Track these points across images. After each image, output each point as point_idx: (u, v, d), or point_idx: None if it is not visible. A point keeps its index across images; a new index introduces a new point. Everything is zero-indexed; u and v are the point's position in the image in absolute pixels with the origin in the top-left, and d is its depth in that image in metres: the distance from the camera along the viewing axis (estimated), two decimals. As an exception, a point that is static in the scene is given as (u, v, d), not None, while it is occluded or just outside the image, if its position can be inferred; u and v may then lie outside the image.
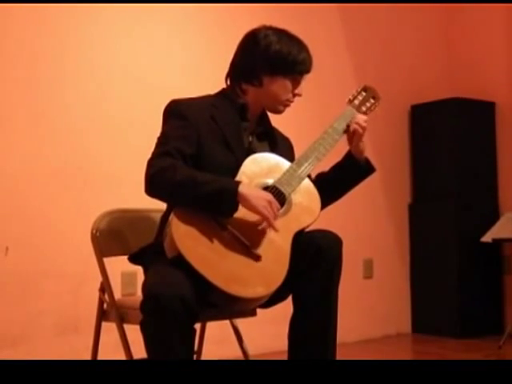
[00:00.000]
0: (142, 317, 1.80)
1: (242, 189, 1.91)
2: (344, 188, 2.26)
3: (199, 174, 1.95)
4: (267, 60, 2.11)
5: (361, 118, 2.17)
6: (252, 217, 1.95)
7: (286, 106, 2.19)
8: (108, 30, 3.47)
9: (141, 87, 3.53)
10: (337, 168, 2.25)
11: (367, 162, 2.26)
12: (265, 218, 1.92)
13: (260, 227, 1.93)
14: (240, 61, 2.18)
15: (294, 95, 2.18)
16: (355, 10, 4.39)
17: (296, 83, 2.16)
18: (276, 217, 1.94)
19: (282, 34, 2.17)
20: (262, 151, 2.14)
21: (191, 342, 1.85)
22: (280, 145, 2.23)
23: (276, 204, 1.95)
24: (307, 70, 2.17)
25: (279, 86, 2.13)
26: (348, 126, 2.15)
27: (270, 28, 2.18)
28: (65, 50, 3.33)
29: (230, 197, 1.90)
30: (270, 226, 1.93)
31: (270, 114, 2.24)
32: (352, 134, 2.17)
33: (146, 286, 1.83)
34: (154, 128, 2.10)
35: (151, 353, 1.80)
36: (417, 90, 4.66)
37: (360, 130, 2.15)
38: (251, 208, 1.91)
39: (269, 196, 1.95)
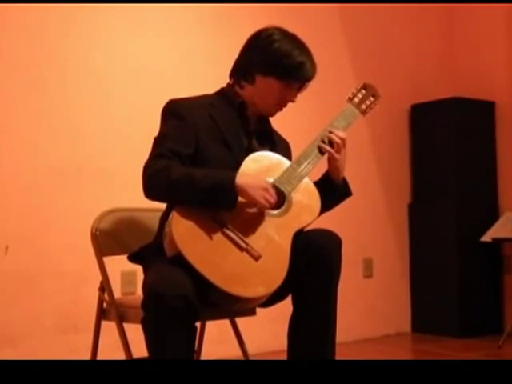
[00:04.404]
0: (143, 315, 1.80)
1: (238, 180, 1.91)
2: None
3: (195, 170, 1.95)
4: (262, 58, 2.09)
5: (336, 136, 2.11)
6: (251, 216, 1.95)
7: (277, 110, 2.16)
8: (107, 30, 3.47)
9: (141, 86, 3.53)
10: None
11: (345, 183, 2.19)
12: (262, 207, 1.93)
13: (255, 210, 1.95)
14: (240, 57, 2.18)
15: (288, 101, 2.14)
16: (355, 9, 4.39)
17: (290, 89, 2.11)
18: (273, 204, 1.95)
19: (288, 35, 2.13)
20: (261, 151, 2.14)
21: (192, 339, 1.85)
22: (279, 147, 2.22)
23: (272, 190, 1.95)
24: (304, 77, 2.11)
25: (269, 87, 2.10)
26: (323, 142, 2.10)
27: (278, 28, 2.14)
28: (65, 51, 3.33)
29: (228, 190, 1.90)
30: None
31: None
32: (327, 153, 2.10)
33: (146, 285, 1.83)
34: (154, 127, 2.10)
35: (152, 350, 1.81)
36: (417, 90, 4.66)
37: (330, 150, 2.09)
38: (249, 198, 1.92)
39: (265, 183, 1.95)
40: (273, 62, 2.08)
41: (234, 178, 1.91)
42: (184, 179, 1.91)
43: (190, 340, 1.83)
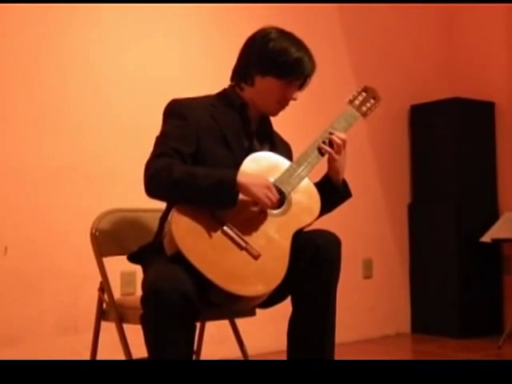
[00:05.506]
0: (142, 311, 1.80)
1: (240, 178, 1.91)
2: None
3: (196, 168, 1.96)
4: (260, 58, 2.08)
5: (336, 137, 2.11)
6: (251, 215, 1.95)
7: (279, 109, 2.15)
8: (108, 30, 3.47)
9: (142, 87, 3.53)
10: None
11: (345, 185, 2.20)
12: (265, 206, 1.93)
13: (256, 209, 1.94)
14: (238, 60, 2.18)
15: (289, 99, 2.14)
16: (355, 9, 4.39)
17: (290, 86, 2.11)
18: (275, 203, 1.95)
19: (284, 34, 2.13)
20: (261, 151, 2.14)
21: (192, 337, 1.85)
22: (279, 148, 2.22)
23: (273, 189, 1.95)
24: (302, 73, 2.11)
25: (268, 86, 2.10)
26: (324, 143, 2.10)
27: (275, 28, 2.14)
28: (65, 51, 3.33)
29: (230, 187, 1.90)
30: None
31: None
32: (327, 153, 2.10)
33: (146, 282, 1.83)
34: (155, 127, 2.11)
35: (151, 348, 1.81)
36: (416, 90, 4.66)
37: (330, 151, 2.09)
38: (252, 196, 1.92)
39: (267, 182, 1.96)
40: (270, 61, 2.08)
41: (235, 175, 1.92)
42: (185, 177, 1.92)
43: (189, 338, 1.83)
